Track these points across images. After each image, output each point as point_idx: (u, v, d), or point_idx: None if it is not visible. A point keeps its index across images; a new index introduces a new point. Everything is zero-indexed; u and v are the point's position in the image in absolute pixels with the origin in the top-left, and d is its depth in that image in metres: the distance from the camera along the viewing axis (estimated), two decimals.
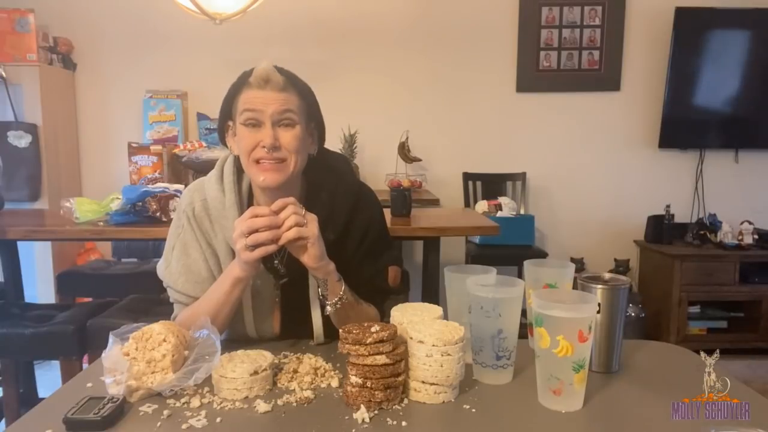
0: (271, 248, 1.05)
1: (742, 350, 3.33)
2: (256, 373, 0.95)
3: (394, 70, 3.71)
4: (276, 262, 1.20)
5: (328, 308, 1.13)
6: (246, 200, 1.23)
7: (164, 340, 0.97)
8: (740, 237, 3.46)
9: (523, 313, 1.01)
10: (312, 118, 1.20)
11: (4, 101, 3.14)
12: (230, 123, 1.20)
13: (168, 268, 1.22)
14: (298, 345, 1.20)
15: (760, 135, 3.68)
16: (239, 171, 1.23)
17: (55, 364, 2.82)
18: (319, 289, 1.15)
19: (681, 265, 3.34)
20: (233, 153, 1.22)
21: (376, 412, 0.89)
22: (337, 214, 1.20)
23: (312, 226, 1.06)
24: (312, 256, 1.07)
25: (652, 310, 3.49)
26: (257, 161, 1.13)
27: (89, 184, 3.70)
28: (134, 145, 2.81)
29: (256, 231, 1.04)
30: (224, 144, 1.24)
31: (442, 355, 0.91)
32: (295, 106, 1.14)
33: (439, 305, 1.06)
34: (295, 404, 0.92)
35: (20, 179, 3.16)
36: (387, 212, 2.19)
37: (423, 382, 0.92)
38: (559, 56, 3.68)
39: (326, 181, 1.24)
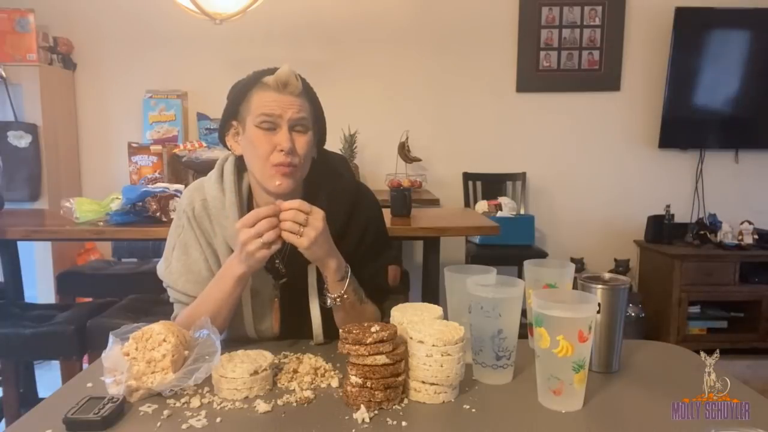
0: (276, 247, 1.06)
1: (742, 350, 3.33)
2: (256, 373, 0.95)
3: (394, 70, 3.71)
4: (277, 261, 1.20)
5: (328, 301, 1.14)
6: (246, 200, 1.23)
7: (164, 340, 0.97)
8: (740, 237, 3.46)
9: (523, 313, 1.01)
10: (316, 123, 1.21)
11: (4, 101, 3.14)
12: (234, 123, 1.19)
13: (168, 268, 1.22)
14: (298, 345, 1.20)
15: (760, 135, 3.68)
16: (239, 171, 1.23)
17: (55, 364, 2.82)
18: (326, 285, 1.15)
19: (681, 265, 3.34)
20: (234, 153, 1.22)
21: (376, 412, 0.89)
22: (336, 214, 1.20)
23: (311, 228, 1.05)
24: (307, 257, 1.09)
25: (652, 310, 3.49)
26: (274, 165, 1.12)
27: (89, 184, 3.70)
28: (134, 145, 2.81)
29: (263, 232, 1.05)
30: (224, 144, 1.24)
31: (442, 355, 0.91)
32: (307, 113, 1.16)
33: (439, 305, 1.06)
34: (295, 404, 0.92)
35: (20, 179, 3.16)
36: (387, 212, 2.19)
37: (423, 382, 0.92)
38: (559, 56, 3.68)
39: (325, 182, 1.24)
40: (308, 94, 1.17)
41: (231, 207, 1.18)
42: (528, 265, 1.11)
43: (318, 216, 1.06)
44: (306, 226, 1.05)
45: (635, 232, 3.71)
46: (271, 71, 1.14)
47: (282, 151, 1.11)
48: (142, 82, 3.61)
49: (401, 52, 3.70)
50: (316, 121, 1.20)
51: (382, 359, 0.89)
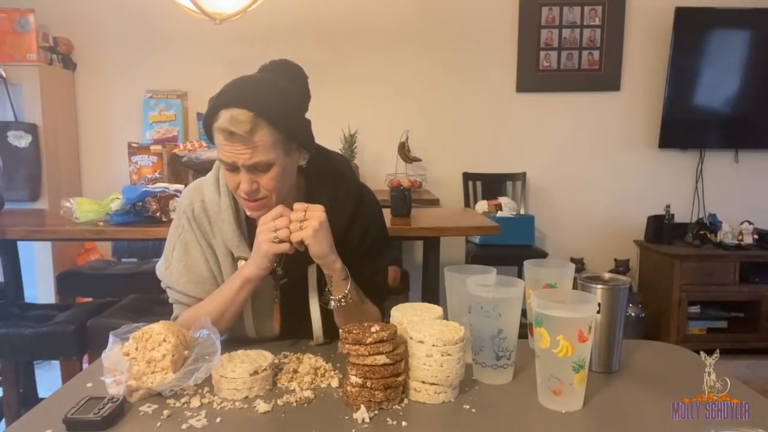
0: (284, 247, 1.08)
1: (742, 350, 3.33)
2: (256, 373, 0.95)
3: (394, 70, 3.71)
4: (275, 263, 1.20)
5: (332, 303, 1.14)
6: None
7: (164, 340, 0.97)
8: (740, 237, 3.46)
9: (523, 313, 1.01)
10: (293, 138, 1.11)
11: (4, 101, 3.14)
12: None
13: (168, 269, 1.22)
14: (298, 345, 1.20)
15: (760, 135, 3.68)
16: None
17: (55, 364, 2.82)
18: (327, 287, 1.15)
19: (681, 265, 3.34)
20: None
21: (376, 412, 0.89)
22: (338, 215, 1.20)
23: (312, 218, 1.07)
24: (313, 252, 1.09)
25: (652, 310, 3.49)
26: (241, 198, 1.13)
27: (89, 184, 3.70)
28: (134, 145, 2.80)
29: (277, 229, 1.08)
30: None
31: (442, 355, 0.91)
32: (267, 147, 1.05)
33: (439, 305, 1.06)
34: (295, 404, 0.92)
35: (20, 179, 3.16)
36: (387, 212, 2.19)
37: (423, 382, 0.92)
38: (559, 56, 3.68)
39: (327, 182, 1.24)
40: (266, 117, 1.04)
41: (226, 210, 1.18)
42: (528, 265, 1.11)
43: (316, 207, 1.09)
44: (305, 219, 1.07)
45: (635, 232, 3.71)
46: (227, 102, 1.05)
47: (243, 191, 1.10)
48: (142, 82, 3.60)
49: (401, 51, 3.69)
50: (291, 137, 1.10)
51: (382, 359, 0.89)
